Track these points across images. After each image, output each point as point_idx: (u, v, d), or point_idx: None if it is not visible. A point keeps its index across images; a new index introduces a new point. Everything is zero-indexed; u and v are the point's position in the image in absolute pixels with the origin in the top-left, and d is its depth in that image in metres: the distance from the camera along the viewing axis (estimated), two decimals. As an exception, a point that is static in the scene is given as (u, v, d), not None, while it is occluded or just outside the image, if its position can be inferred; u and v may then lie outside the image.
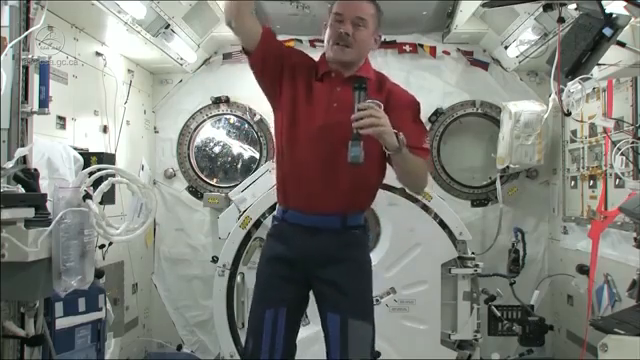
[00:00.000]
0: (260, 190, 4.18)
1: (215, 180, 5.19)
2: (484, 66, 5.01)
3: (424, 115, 4.93)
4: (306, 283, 2.49)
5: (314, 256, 2.43)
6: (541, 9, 3.44)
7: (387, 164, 2.49)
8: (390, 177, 2.53)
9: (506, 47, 4.61)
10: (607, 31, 2.58)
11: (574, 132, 4.35)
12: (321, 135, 2.39)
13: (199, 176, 5.13)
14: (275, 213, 2.61)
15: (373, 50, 2.57)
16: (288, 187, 2.50)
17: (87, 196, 2.17)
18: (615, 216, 3.52)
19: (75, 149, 3.27)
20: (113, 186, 2.29)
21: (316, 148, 2.39)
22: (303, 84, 2.49)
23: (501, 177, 4.83)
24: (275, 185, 2.60)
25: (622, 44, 2.81)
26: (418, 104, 2.59)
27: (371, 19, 2.45)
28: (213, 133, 5.26)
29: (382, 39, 2.60)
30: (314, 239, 2.43)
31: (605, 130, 3.67)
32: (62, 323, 2.79)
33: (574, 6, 2.85)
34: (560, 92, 2.89)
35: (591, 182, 4.04)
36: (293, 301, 2.47)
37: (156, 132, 5.15)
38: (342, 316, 2.38)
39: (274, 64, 2.52)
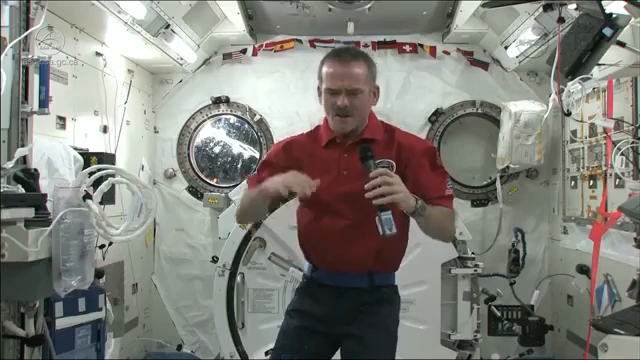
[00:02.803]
0: (260, 190, 4.18)
1: (215, 180, 5.19)
2: (484, 66, 5.01)
3: (424, 115, 5.02)
4: (330, 338, 2.46)
5: (341, 314, 2.42)
6: (541, 9, 3.44)
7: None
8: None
9: (506, 47, 4.61)
10: (607, 31, 2.58)
11: (574, 132, 4.34)
12: (337, 204, 2.37)
13: (199, 176, 5.13)
14: (305, 270, 2.61)
15: (374, 105, 2.45)
16: (312, 252, 2.50)
17: (87, 196, 2.17)
18: (616, 219, 3.52)
19: (75, 149, 3.27)
20: (113, 186, 2.29)
21: (335, 216, 2.37)
22: (311, 161, 2.43)
23: (501, 177, 4.83)
24: (299, 243, 2.57)
25: (622, 44, 2.81)
26: (433, 149, 2.52)
27: (366, 82, 2.33)
28: (213, 133, 5.27)
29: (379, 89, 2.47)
30: (341, 298, 2.42)
31: (606, 130, 3.67)
32: (62, 323, 2.80)
33: (574, 6, 2.85)
34: (560, 92, 2.89)
35: (591, 182, 4.04)
36: (312, 354, 2.44)
37: (156, 132, 5.16)
38: None
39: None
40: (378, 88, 2.44)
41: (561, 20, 2.79)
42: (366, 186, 2.13)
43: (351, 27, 4.68)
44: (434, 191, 2.33)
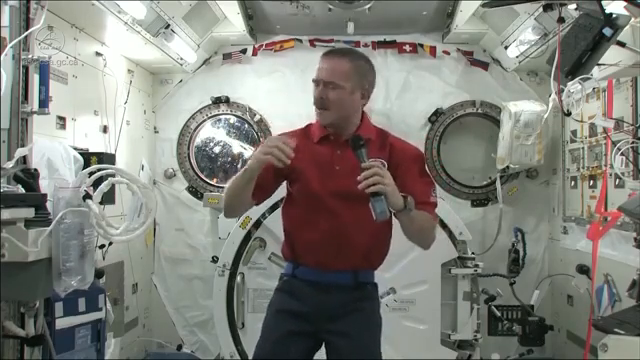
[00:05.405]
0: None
1: (215, 180, 5.19)
2: (484, 66, 5.01)
3: (424, 115, 5.02)
4: (315, 337, 2.47)
5: (327, 311, 2.43)
6: (541, 9, 3.44)
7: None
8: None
9: (506, 47, 4.61)
10: (607, 31, 2.58)
11: (574, 132, 4.34)
12: (328, 200, 2.40)
13: (199, 176, 5.13)
14: (283, 271, 2.60)
15: (364, 105, 2.50)
16: (298, 247, 2.50)
17: (87, 196, 2.17)
18: (617, 219, 3.51)
19: (75, 149, 3.27)
20: (113, 186, 2.29)
21: (324, 211, 2.40)
22: (302, 156, 2.44)
23: (501, 177, 4.83)
24: (283, 241, 2.59)
25: (622, 44, 2.81)
26: (423, 157, 2.61)
27: (346, 79, 2.38)
28: (213, 133, 5.27)
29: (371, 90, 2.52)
30: (327, 295, 2.44)
31: (606, 130, 3.67)
32: (62, 323, 2.79)
33: (574, 6, 2.85)
34: (560, 92, 2.88)
35: (591, 182, 4.04)
36: (297, 354, 2.45)
37: (156, 132, 5.15)
38: None
39: (278, 181, 2.53)
40: (367, 89, 2.47)
41: (561, 20, 2.79)
42: (359, 178, 2.17)
43: (351, 27, 4.68)
44: (420, 196, 2.36)
